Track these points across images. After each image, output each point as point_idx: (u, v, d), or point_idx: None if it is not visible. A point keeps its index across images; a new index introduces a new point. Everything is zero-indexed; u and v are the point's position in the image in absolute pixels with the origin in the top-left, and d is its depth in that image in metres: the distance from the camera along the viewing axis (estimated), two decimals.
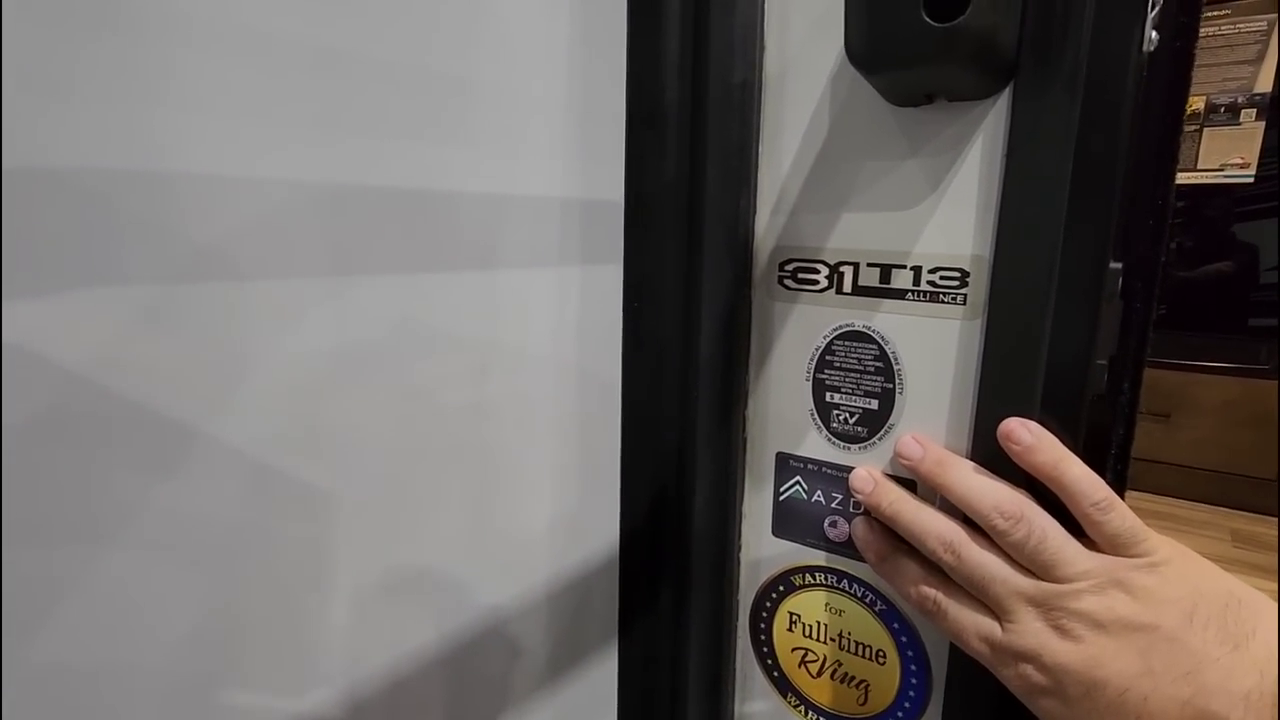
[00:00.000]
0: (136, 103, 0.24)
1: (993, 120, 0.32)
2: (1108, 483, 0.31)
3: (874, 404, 0.38)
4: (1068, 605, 0.30)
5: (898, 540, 0.36)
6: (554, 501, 0.44)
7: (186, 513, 0.27)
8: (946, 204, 0.34)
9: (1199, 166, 2.09)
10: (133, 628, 0.26)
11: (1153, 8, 0.28)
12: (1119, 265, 0.32)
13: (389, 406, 0.34)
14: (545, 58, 0.38)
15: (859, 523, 0.38)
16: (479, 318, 0.38)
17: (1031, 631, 0.30)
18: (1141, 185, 0.33)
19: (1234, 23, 2.02)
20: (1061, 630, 0.30)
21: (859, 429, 0.38)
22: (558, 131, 0.39)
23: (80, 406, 0.24)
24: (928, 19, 0.28)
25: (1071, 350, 0.32)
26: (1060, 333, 0.32)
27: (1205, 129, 2.08)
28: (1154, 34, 0.29)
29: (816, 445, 0.40)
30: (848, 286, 0.38)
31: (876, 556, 0.36)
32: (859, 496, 0.36)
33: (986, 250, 0.33)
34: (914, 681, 0.39)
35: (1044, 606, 0.30)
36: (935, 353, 0.35)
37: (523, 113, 0.37)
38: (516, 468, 0.42)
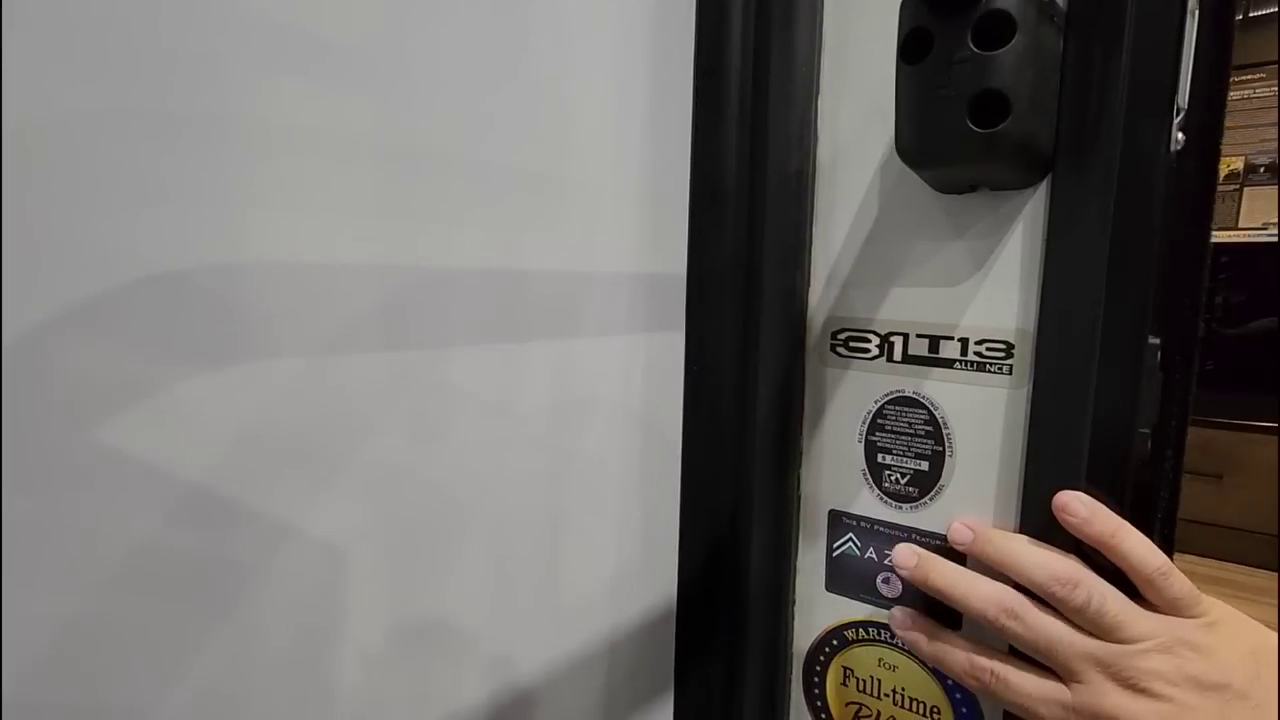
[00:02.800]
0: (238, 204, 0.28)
1: (1032, 208, 0.36)
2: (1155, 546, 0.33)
3: (924, 465, 0.40)
4: (1138, 665, 0.31)
5: (940, 620, 0.37)
6: (616, 558, 0.46)
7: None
8: (990, 283, 0.37)
9: (1241, 225, 2.08)
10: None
11: (1178, 114, 0.32)
12: (1157, 340, 0.34)
13: (467, 468, 0.37)
14: (618, 149, 0.42)
15: (898, 612, 0.39)
16: (553, 385, 0.41)
17: (1105, 691, 0.31)
18: (1176, 263, 0.36)
19: (1269, 84, 2.04)
20: (1135, 689, 0.31)
21: (910, 489, 0.41)
22: (628, 214, 0.43)
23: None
24: (971, 125, 0.31)
25: (1115, 419, 0.34)
26: (1103, 403, 0.34)
27: (1245, 188, 2.08)
28: (1180, 135, 0.32)
29: (869, 504, 0.42)
30: (898, 355, 0.40)
31: (925, 638, 0.37)
32: (904, 573, 0.37)
33: (1030, 325, 0.36)
34: None
35: (1113, 667, 0.31)
36: (983, 418, 0.38)
37: (597, 199, 0.42)
38: (581, 526, 0.44)
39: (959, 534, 0.37)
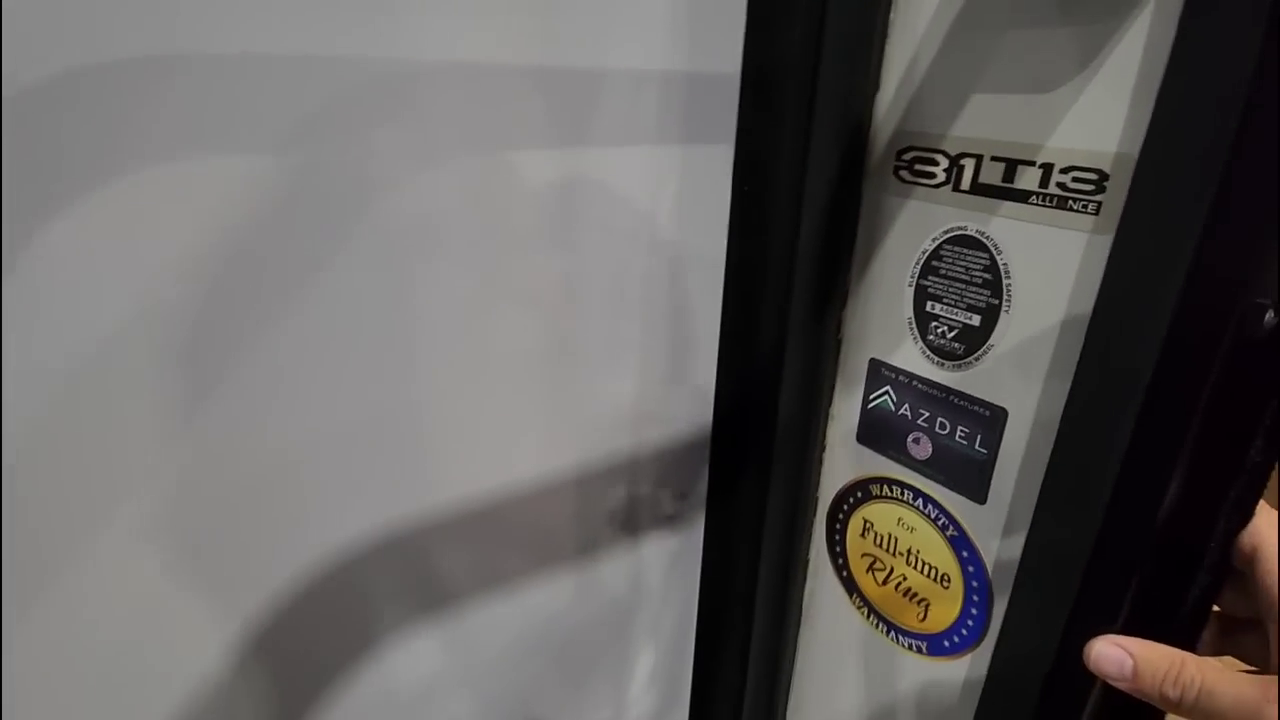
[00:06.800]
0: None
1: None
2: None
3: (975, 320, 0.34)
4: None
5: None
6: (642, 381, 0.46)
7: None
8: (1096, 86, 0.28)
9: None
10: None
11: None
12: None
13: (469, 279, 0.37)
14: None
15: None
16: (565, 199, 0.39)
17: None
18: None
19: None
20: None
21: (956, 345, 0.35)
22: None
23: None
24: None
25: (1219, 285, 0.25)
26: (1208, 261, 0.25)
27: None
28: None
29: (910, 357, 0.37)
30: (966, 183, 0.33)
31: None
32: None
33: (1135, 149, 0.27)
34: (974, 612, 0.37)
35: None
36: (1052, 271, 0.30)
37: None
38: (604, 346, 0.44)
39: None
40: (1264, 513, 0.30)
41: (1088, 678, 0.30)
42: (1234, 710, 0.26)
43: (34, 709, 0.30)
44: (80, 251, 0.26)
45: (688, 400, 0.48)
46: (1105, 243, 0.28)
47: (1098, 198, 0.28)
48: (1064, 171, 0.29)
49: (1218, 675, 0.27)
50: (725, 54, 0.39)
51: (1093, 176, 0.28)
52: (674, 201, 0.42)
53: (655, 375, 0.46)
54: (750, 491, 0.46)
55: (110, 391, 0.28)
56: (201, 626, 0.33)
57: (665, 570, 0.53)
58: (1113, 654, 0.28)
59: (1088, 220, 0.29)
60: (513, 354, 0.40)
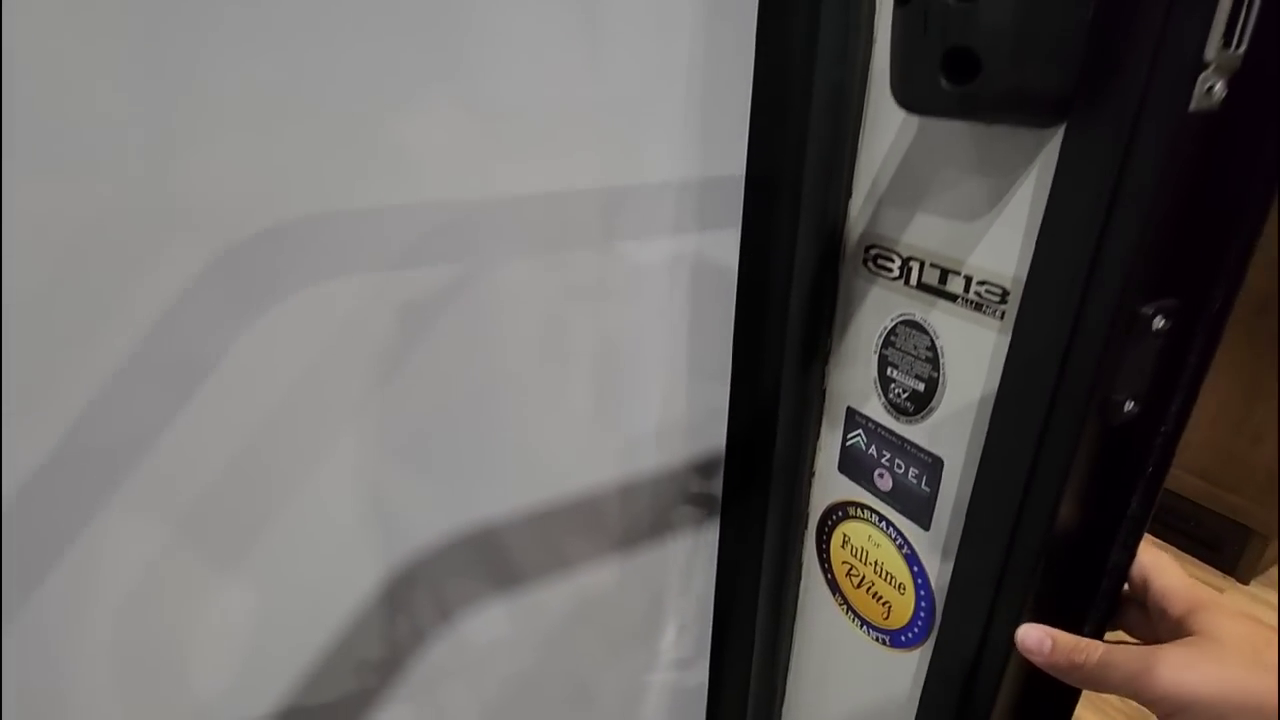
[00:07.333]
0: None
1: (1050, 150, 0.33)
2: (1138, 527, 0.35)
3: (921, 386, 0.42)
4: None
5: None
6: (662, 413, 0.56)
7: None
8: (1000, 223, 0.36)
9: None
10: None
11: (1205, 67, 0.27)
12: (1150, 310, 0.32)
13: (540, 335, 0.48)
14: (670, 68, 0.45)
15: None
16: (608, 277, 0.49)
17: None
18: (1208, 229, 0.32)
19: None
20: None
21: (908, 404, 0.44)
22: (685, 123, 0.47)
23: None
24: (944, 80, 0.30)
25: (1085, 385, 0.34)
26: (1077, 366, 0.34)
27: None
28: (1218, 88, 0.28)
29: (876, 409, 0.46)
30: (914, 280, 0.41)
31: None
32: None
33: (1025, 274, 0.35)
34: (923, 615, 0.46)
35: None
36: (974, 357, 0.39)
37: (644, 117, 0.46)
38: (639, 386, 0.54)
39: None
40: (1147, 551, 0.39)
41: (1003, 666, 0.40)
42: (1121, 670, 0.35)
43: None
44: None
45: (708, 429, 0.58)
46: (1007, 341, 0.37)
47: (1002, 308, 0.37)
48: (980, 284, 0.38)
49: (1110, 646, 0.36)
50: (733, 161, 0.48)
51: (999, 291, 0.37)
52: (691, 275, 0.52)
53: (679, 408, 0.57)
54: (755, 504, 0.56)
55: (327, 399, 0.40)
56: (365, 561, 0.46)
57: (688, 560, 0.64)
58: (1036, 634, 0.37)
59: (996, 323, 0.37)
60: (584, 397, 0.51)
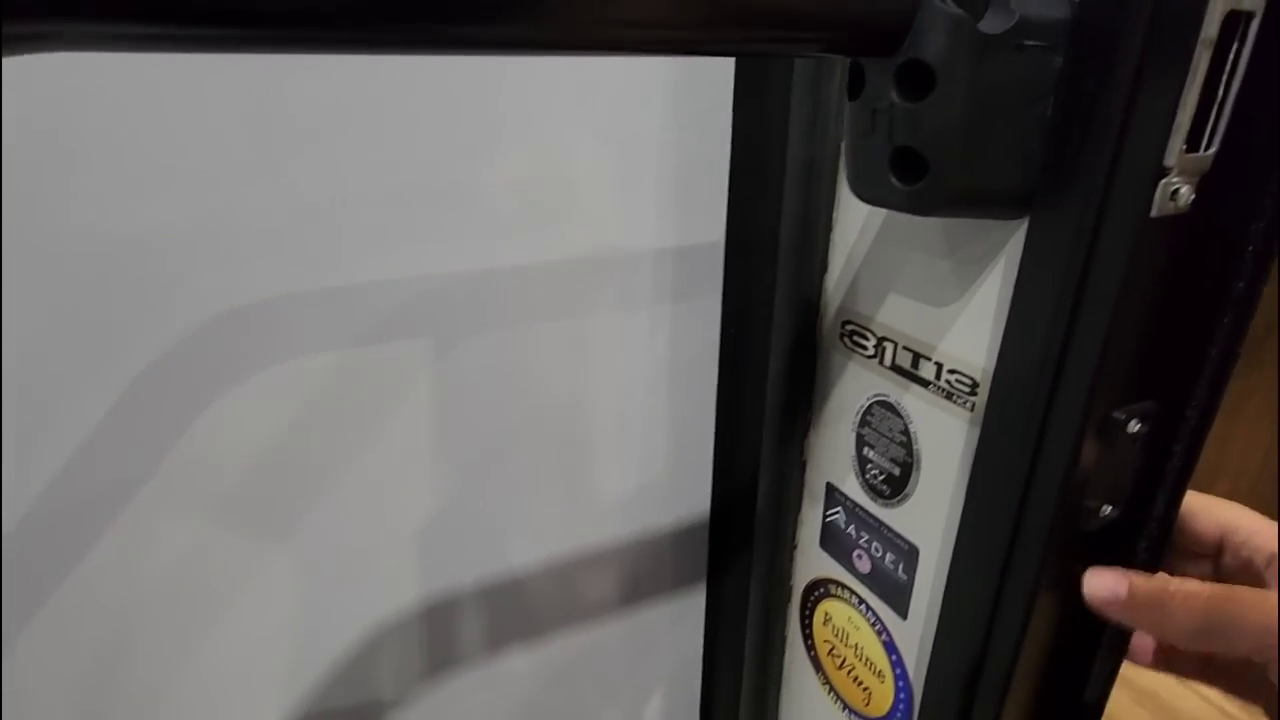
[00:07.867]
0: None
1: (1015, 242, 0.32)
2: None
3: (897, 470, 0.41)
4: None
5: None
6: (639, 482, 0.55)
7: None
8: (969, 313, 0.35)
9: None
10: None
11: (1166, 173, 0.25)
12: (1123, 415, 0.30)
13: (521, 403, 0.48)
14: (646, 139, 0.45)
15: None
16: (581, 358, 0.49)
17: None
18: (1183, 330, 0.30)
19: None
20: None
21: (884, 487, 0.42)
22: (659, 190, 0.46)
23: None
24: (894, 179, 0.29)
25: (1052, 489, 0.32)
26: (1045, 468, 0.32)
27: None
28: (1184, 191, 0.26)
29: (854, 488, 0.44)
30: (888, 361, 0.40)
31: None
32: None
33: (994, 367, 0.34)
34: (901, 707, 0.44)
35: None
36: (946, 446, 0.37)
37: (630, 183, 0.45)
38: (618, 455, 0.53)
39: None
40: (1215, 503, 0.35)
41: None
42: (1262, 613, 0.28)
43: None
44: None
45: (692, 498, 0.57)
46: (978, 434, 0.35)
47: (972, 399, 0.35)
48: (950, 372, 0.36)
49: (1228, 585, 0.29)
50: (712, 228, 0.48)
51: (969, 381, 0.35)
52: (670, 343, 0.51)
53: (662, 479, 0.56)
54: (738, 574, 0.55)
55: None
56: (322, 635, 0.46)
57: (672, 627, 0.62)
58: (1108, 580, 0.31)
59: (966, 414, 0.36)
60: (577, 469, 0.50)
